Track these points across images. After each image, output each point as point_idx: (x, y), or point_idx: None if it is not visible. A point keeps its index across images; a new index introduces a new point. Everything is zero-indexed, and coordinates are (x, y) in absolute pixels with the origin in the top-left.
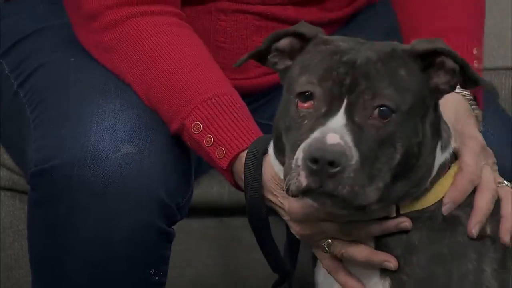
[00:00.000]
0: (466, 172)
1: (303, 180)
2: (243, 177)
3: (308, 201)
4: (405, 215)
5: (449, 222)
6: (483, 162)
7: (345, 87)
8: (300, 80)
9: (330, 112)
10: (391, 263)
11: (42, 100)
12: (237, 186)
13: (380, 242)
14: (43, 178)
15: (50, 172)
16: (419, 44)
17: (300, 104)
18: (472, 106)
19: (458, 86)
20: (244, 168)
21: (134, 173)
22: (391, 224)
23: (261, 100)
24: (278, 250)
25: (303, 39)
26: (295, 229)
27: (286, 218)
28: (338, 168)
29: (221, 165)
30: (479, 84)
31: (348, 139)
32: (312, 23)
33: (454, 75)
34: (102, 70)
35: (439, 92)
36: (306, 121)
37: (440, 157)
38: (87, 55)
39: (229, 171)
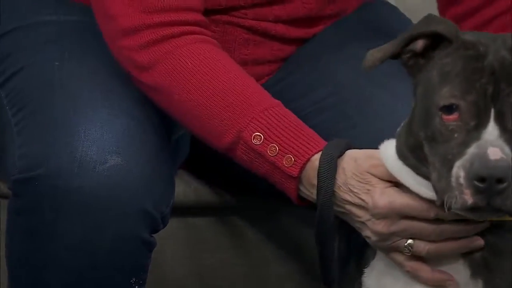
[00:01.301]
0: None
1: (468, 198)
2: (314, 182)
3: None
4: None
5: None
6: None
7: (489, 96)
8: (442, 92)
9: (480, 124)
10: (478, 241)
11: (26, 105)
12: (298, 198)
13: None
14: (28, 186)
15: (35, 180)
16: None
17: (445, 117)
18: None
19: None
20: (318, 170)
21: (120, 184)
22: (480, 226)
23: None
24: (334, 261)
25: (438, 38)
26: (377, 227)
27: (364, 218)
28: (506, 184)
29: (291, 172)
30: None
31: (508, 150)
32: (298, 38)
33: None
34: (89, 75)
35: None
36: (456, 135)
37: None
38: (72, 58)
39: (297, 179)
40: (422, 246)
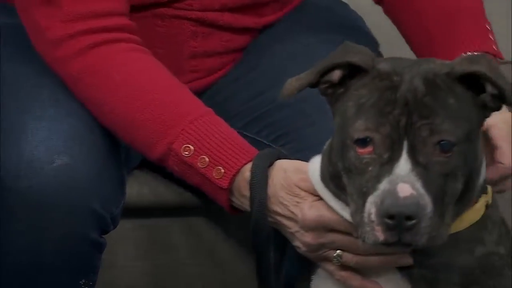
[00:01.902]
0: None
1: (379, 234)
2: (245, 193)
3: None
4: None
5: (474, 241)
6: None
7: (402, 129)
8: (356, 125)
9: (393, 158)
10: (407, 259)
11: None
12: (231, 208)
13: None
14: None
15: None
16: (459, 66)
17: (359, 150)
18: None
19: None
20: (250, 182)
21: (68, 184)
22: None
23: None
24: (272, 270)
25: (355, 67)
26: (305, 239)
27: (294, 229)
28: (415, 221)
29: (221, 184)
30: None
31: (419, 185)
32: (247, 28)
33: (495, 97)
34: (36, 76)
35: (487, 110)
36: (370, 168)
37: (483, 175)
38: (18, 60)
39: (228, 190)
40: (350, 258)
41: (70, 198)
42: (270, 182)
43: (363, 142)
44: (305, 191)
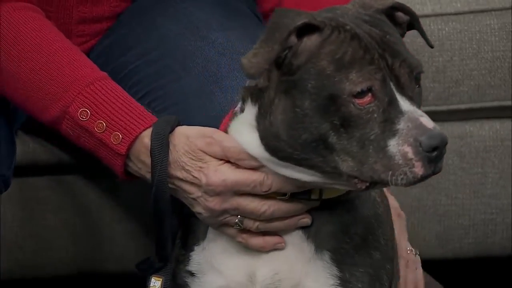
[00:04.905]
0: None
1: (419, 170)
2: (144, 158)
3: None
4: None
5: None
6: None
7: (387, 71)
8: (351, 79)
9: (392, 100)
10: (306, 219)
11: None
12: (124, 173)
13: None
14: None
15: None
16: (375, 2)
17: (359, 101)
18: None
19: None
20: (151, 148)
21: None
22: (310, 203)
23: None
24: (170, 237)
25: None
26: (209, 204)
27: (196, 194)
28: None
29: (119, 150)
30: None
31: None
32: None
33: (403, 28)
34: None
35: None
36: (375, 115)
37: None
38: None
39: (125, 156)
40: (252, 223)
41: None
42: (171, 148)
43: (362, 93)
44: (210, 155)
